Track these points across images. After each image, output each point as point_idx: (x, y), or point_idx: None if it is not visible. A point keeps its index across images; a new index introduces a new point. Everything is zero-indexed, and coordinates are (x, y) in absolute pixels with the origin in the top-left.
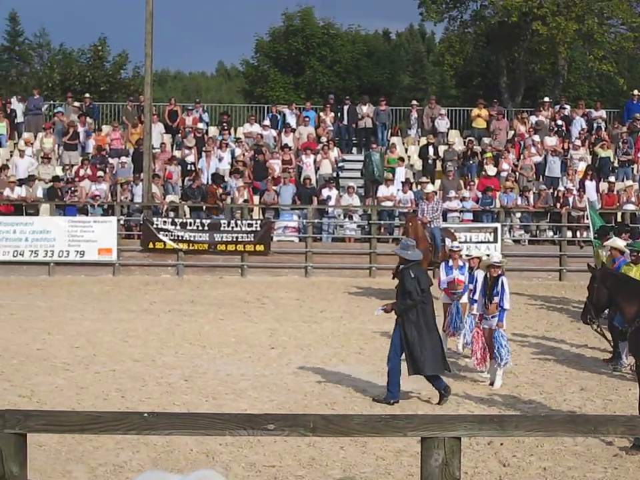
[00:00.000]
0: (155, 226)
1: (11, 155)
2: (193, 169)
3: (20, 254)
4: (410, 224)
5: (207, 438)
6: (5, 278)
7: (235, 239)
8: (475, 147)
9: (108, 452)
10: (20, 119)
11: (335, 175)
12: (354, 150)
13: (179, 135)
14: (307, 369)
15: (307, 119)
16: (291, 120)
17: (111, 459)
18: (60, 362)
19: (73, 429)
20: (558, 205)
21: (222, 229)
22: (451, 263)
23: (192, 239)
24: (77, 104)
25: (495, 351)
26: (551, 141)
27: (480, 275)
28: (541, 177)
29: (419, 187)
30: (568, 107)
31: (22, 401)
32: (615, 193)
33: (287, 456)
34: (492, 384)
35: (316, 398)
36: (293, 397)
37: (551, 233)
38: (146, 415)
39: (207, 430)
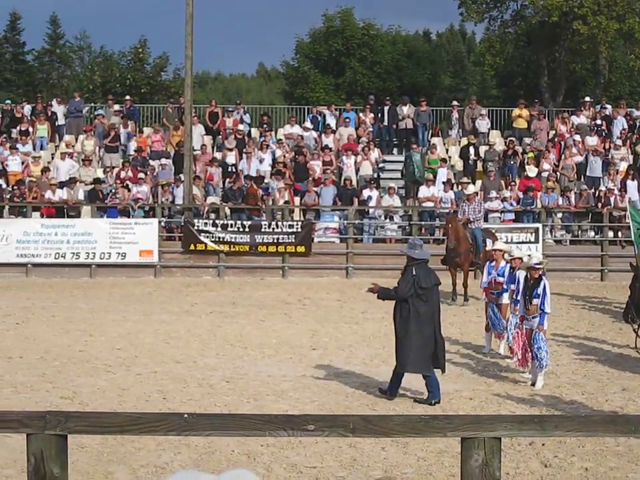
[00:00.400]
0: (195, 227)
1: (52, 158)
2: (234, 170)
3: (62, 256)
4: (450, 225)
5: (248, 439)
6: (47, 280)
7: (275, 240)
8: (515, 147)
9: (149, 453)
10: (61, 121)
11: (375, 175)
12: (394, 151)
13: (220, 137)
14: (348, 370)
15: (348, 120)
16: (331, 121)
17: (153, 460)
18: (102, 364)
19: (113, 430)
20: (599, 205)
21: (263, 230)
22: (493, 263)
23: (233, 240)
24: (117, 107)
25: (535, 354)
26: (592, 140)
27: (521, 275)
28: (582, 177)
29: (460, 187)
30: (609, 106)
31: (64, 402)
32: None
33: (328, 457)
34: (533, 384)
35: (357, 399)
36: (334, 398)
37: (592, 233)
38: (186, 415)
39: (246, 431)
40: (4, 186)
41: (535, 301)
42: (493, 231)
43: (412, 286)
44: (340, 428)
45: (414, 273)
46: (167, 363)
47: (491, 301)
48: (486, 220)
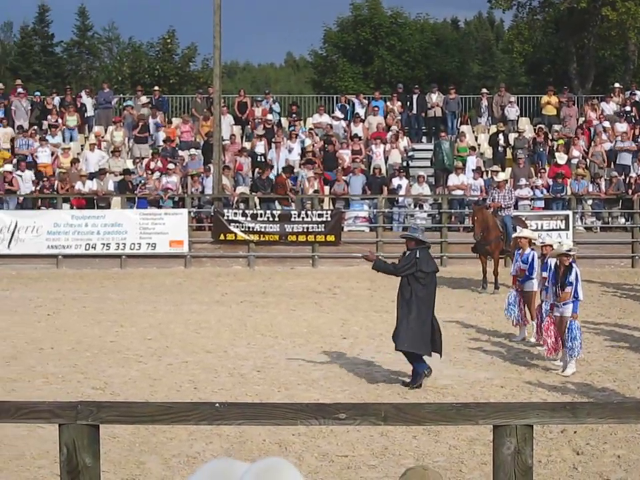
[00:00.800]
0: (225, 217)
1: (82, 149)
2: (263, 160)
3: (92, 247)
4: (476, 217)
5: (279, 428)
6: (78, 271)
7: (305, 230)
8: (545, 134)
9: (181, 443)
10: (90, 113)
11: (404, 164)
12: (423, 139)
13: (249, 127)
14: (378, 358)
15: (376, 109)
16: (360, 110)
17: (185, 450)
18: (133, 354)
19: (145, 420)
20: (630, 192)
21: (292, 219)
22: (520, 251)
23: (263, 230)
24: (144, 98)
25: (568, 342)
26: (622, 127)
27: (552, 262)
28: (612, 163)
29: (490, 175)
30: (638, 92)
31: (95, 393)
32: None
33: (359, 445)
34: (564, 371)
35: (388, 388)
36: (365, 387)
37: (622, 220)
38: (217, 405)
39: (278, 420)
40: (34, 177)
41: (568, 289)
42: (523, 219)
43: (412, 266)
44: (371, 416)
45: (417, 256)
46: (198, 352)
47: (517, 288)
48: (516, 207)
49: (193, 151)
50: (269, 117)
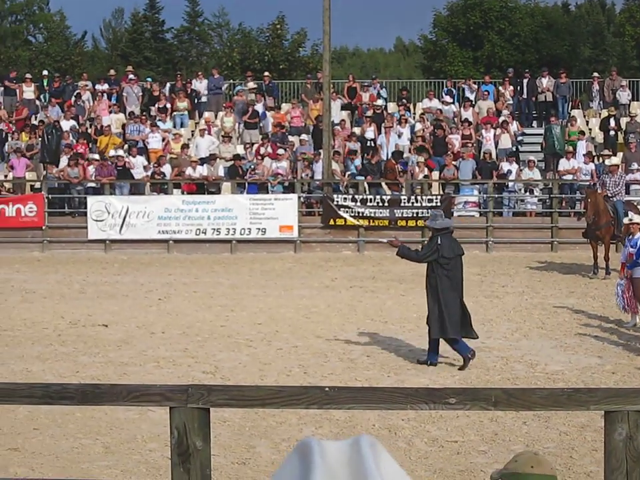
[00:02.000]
0: (335, 202)
1: (192, 135)
2: (373, 145)
3: (202, 232)
4: (589, 200)
5: (389, 413)
6: (188, 256)
7: (415, 215)
8: None
9: (291, 427)
10: (201, 98)
11: (514, 149)
12: (534, 123)
13: (358, 112)
14: (488, 344)
15: (486, 93)
16: (470, 94)
17: (294, 434)
18: (243, 338)
19: (255, 404)
20: None
21: (402, 204)
22: (630, 236)
23: (372, 215)
24: (251, 84)
25: None
26: None
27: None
28: None
29: (601, 159)
30: None
31: (206, 377)
32: None
33: (469, 431)
34: None
35: (498, 373)
36: (474, 372)
37: None
38: (327, 389)
39: (387, 404)
40: (145, 163)
41: None
42: (635, 203)
43: (434, 253)
44: (482, 401)
45: (439, 242)
46: (308, 337)
47: (626, 275)
48: (628, 192)
49: (303, 136)
50: (379, 102)
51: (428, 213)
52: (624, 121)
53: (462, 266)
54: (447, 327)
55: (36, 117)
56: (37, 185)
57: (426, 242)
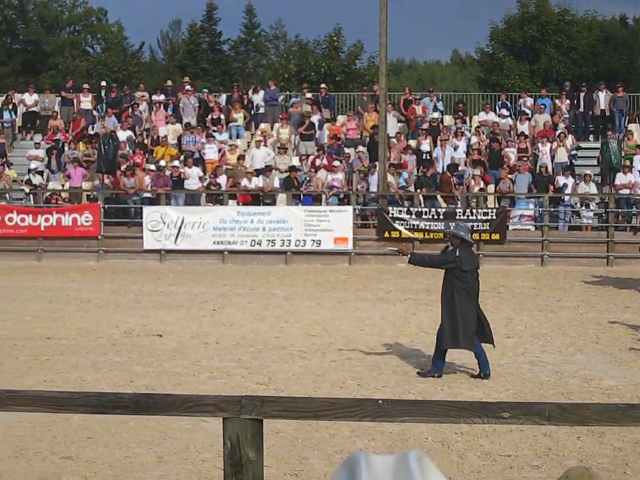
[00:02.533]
0: (390, 215)
1: (249, 146)
2: (428, 157)
3: (257, 243)
4: None
5: (442, 426)
6: (243, 267)
7: (470, 228)
8: None
9: (344, 439)
10: (257, 110)
11: (570, 163)
12: (590, 137)
13: (412, 124)
14: (543, 358)
15: (543, 107)
16: (527, 108)
17: (347, 447)
18: (297, 350)
19: (308, 415)
20: None
21: (457, 217)
22: None
23: (427, 227)
24: (308, 95)
25: None
26: None
27: None
28: None
29: None
30: None
31: (259, 388)
32: None
33: (522, 445)
34: None
35: (552, 387)
36: (528, 387)
37: None
38: (380, 402)
39: (440, 417)
40: (201, 174)
41: None
42: None
43: (450, 262)
44: (535, 416)
45: (457, 254)
46: (362, 349)
47: None
48: None
49: (359, 148)
50: (435, 114)
51: (483, 226)
52: None
53: (478, 278)
54: (459, 338)
55: (93, 127)
56: (93, 194)
57: (440, 252)
